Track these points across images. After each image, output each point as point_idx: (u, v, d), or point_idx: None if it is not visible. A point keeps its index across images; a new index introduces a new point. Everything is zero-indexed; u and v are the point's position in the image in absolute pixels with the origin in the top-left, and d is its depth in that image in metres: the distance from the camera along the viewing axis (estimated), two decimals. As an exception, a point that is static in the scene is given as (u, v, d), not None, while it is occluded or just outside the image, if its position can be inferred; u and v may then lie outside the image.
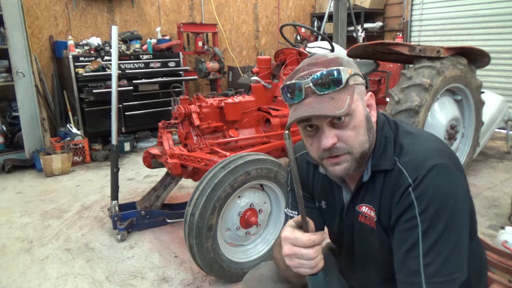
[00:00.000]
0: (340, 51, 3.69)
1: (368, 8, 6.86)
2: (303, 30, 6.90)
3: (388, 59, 3.84)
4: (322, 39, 4.04)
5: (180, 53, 5.64)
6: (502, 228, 2.23)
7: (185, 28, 6.07)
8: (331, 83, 0.92)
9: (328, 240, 1.31)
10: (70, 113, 5.10)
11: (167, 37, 5.95)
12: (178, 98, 3.02)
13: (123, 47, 5.29)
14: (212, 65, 6.08)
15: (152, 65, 5.33)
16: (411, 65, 3.38)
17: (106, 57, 4.89)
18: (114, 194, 2.89)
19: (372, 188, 1.03)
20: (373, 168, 1.01)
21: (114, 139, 2.88)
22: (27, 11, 4.92)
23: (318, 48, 3.37)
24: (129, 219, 2.88)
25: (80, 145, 4.65)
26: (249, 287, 1.25)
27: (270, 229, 2.51)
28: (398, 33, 6.92)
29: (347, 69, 0.94)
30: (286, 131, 0.88)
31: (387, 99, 3.33)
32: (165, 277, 2.41)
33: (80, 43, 5.15)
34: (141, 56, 5.25)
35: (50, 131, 4.88)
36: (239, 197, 2.31)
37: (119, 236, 2.83)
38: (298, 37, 6.78)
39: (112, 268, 2.52)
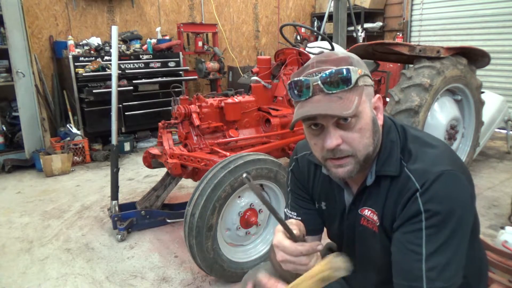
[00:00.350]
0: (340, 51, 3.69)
1: (368, 8, 6.86)
2: (303, 30, 6.90)
3: (388, 59, 3.84)
4: (322, 39, 4.04)
5: (180, 53, 5.64)
6: (502, 228, 2.23)
7: (185, 28, 6.07)
8: (340, 83, 0.90)
9: (328, 240, 1.30)
10: (70, 113, 5.11)
11: (167, 37, 5.95)
12: (178, 98, 3.02)
13: (123, 47, 5.29)
14: (212, 65, 6.08)
15: (152, 65, 5.33)
16: (411, 65, 3.38)
17: (106, 57, 4.89)
18: (114, 194, 2.89)
19: (376, 192, 1.01)
20: (378, 173, 0.99)
21: (114, 139, 2.88)
22: (27, 11, 4.92)
23: (318, 48, 3.36)
24: (129, 219, 2.88)
25: (80, 145, 4.65)
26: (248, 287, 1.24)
27: (270, 229, 2.51)
28: (398, 33, 6.92)
29: (357, 69, 0.92)
30: (245, 174, 0.85)
31: (387, 99, 3.33)
32: (165, 277, 2.41)
33: (80, 43, 5.15)
34: (141, 56, 5.25)
35: (50, 131, 4.88)
36: (239, 197, 2.31)
37: (119, 236, 2.83)
38: (298, 37, 6.78)
39: (112, 268, 2.52)
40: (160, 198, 3.00)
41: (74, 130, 4.72)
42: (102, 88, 4.68)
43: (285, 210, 1.26)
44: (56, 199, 3.66)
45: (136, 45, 5.45)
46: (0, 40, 4.40)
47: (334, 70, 0.90)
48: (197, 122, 2.81)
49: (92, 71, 4.70)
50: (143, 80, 5.25)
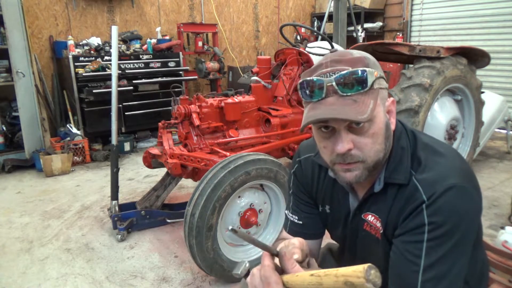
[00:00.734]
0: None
1: (368, 8, 6.86)
2: (303, 30, 6.90)
3: (388, 59, 3.84)
4: (322, 39, 4.04)
5: (180, 53, 5.64)
6: (502, 228, 2.23)
7: (185, 28, 6.07)
8: (355, 84, 0.85)
9: (327, 240, 1.30)
10: (70, 113, 5.11)
11: (167, 37, 5.95)
12: (178, 98, 3.02)
13: (123, 47, 5.29)
14: (212, 65, 6.07)
15: (152, 65, 5.33)
16: (411, 65, 3.38)
17: (106, 57, 4.89)
18: (114, 194, 2.89)
19: (382, 199, 0.98)
20: (386, 180, 0.96)
21: (114, 139, 2.88)
22: (27, 11, 4.92)
23: (318, 48, 3.36)
24: (129, 219, 2.88)
25: (80, 145, 4.65)
26: (247, 287, 1.24)
27: (270, 229, 2.51)
28: (398, 33, 6.92)
29: (373, 71, 0.87)
30: (230, 227, 0.77)
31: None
32: (165, 277, 2.41)
33: (80, 43, 5.15)
34: (141, 56, 5.25)
35: (50, 131, 4.88)
36: (239, 197, 2.31)
37: (119, 236, 2.83)
38: (298, 37, 6.78)
39: (112, 268, 2.52)
40: (160, 198, 3.00)
41: (74, 130, 4.72)
42: (102, 88, 4.68)
43: (286, 212, 1.24)
44: (56, 199, 3.66)
45: (136, 45, 5.45)
46: (0, 40, 4.40)
47: (350, 71, 0.85)
48: (197, 122, 2.81)
49: (92, 71, 4.70)
50: (143, 80, 5.25)
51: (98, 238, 2.91)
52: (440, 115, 3.37)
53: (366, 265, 0.63)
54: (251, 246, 2.46)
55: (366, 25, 6.98)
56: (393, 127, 0.96)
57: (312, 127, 0.96)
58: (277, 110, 3.16)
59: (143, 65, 5.24)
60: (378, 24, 7.07)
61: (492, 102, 4.14)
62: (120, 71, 4.60)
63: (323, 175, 1.14)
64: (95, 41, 5.20)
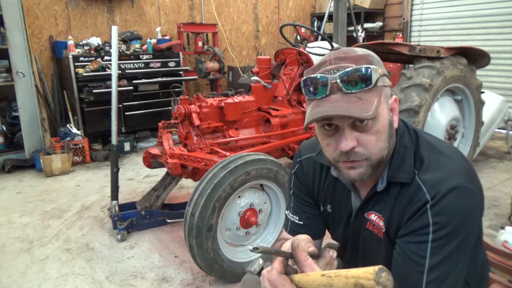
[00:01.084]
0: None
1: (368, 8, 6.86)
2: (303, 30, 6.90)
3: (388, 59, 3.84)
4: (322, 39, 4.04)
5: (180, 53, 5.64)
6: (502, 228, 2.23)
7: (185, 28, 6.07)
8: (359, 82, 0.85)
9: (328, 240, 1.30)
10: (70, 113, 5.10)
11: (167, 37, 5.95)
12: (178, 98, 3.02)
13: (123, 47, 5.29)
14: (212, 65, 6.08)
15: (152, 65, 5.33)
16: (411, 65, 3.38)
17: (106, 57, 4.89)
18: (114, 194, 2.89)
19: (385, 198, 0.98)
20: (389, 179, 0.96)
21: (114, 139, 2.88)
22: (27, 11, 4.92)
23: (318, 48, 3.36)
24: (129, 219, 2.88)
25: (80, 145, 4.65)
26: (247, 287, 1.24)
27: (270, 229, 2.51)
28: (398, 33, 6.92)
29: (377, 68, 0.87)
30: (251, 247, 0.77)
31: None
32: (165, 277, 2.41)
33: (80, 43, 5.15)
34: (141, 56, 5.25)
35: (50, 131, 4.88)
36: (239, 197, 2.31)
37: (119, 236, 2.83)
38: (298, 37, 6.78)
39: (112, 268, 2.52)
40: (160, 198, 3.00)
41: (74, 130, 4.72)
42: (102, 88, 4.68)
43: (286, 212, 1.24)
44: (56, 199, 3.66)
45: (136, 45, 5.45)
46: (0, 40, 4.40)
47: (354, 68, 0.85)
48: (197, 122, 2.81)
49: (92, 71, 4.70)
50: (143, 80, 5.25)
51: (98, 238, 2.91)
52: (440, 115, 3.37)
53: (376, 267, 0.62)
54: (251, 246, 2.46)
55: (366, 25, 6.98)
56: (396, 125, 0.96)
57: (314, 125, 0.95)
58: (277, 110, 3.16)
59: (143, 65, 5.24)
60: (378, 24, 7.07)
61: (492, 102, 4.14)
62: (120, 71, 4.60)
63: (325, 174, 1.13)
64: (95, 41, 5.20)
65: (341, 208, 1.11)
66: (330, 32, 5.63)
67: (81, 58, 4.79)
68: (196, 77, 6.05)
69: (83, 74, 4.66)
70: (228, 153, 2.60)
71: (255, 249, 0.77)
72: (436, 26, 6.43)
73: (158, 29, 5.98)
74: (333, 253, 0.88)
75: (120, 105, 4.82)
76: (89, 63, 4.74)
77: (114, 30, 2.80)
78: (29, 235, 2.98)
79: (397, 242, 0.94)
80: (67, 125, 4.85)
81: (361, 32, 6.72)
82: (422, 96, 3.02)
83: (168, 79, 5.40)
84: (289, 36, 7.41)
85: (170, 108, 3.94)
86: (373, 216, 1.01)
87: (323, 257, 0.87)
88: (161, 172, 3.82)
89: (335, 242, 1.06)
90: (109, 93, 2.96)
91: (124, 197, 3.61)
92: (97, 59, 4.79)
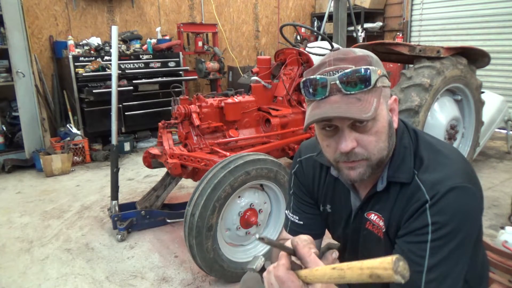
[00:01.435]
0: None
1: (368, 8, 6.86)
2: (303, 30, 6.90)
3: (388, 59, 3.84)
4: (322, 39, 4.04)
5: (180, 53, 5.64)
6: (502, 228, 2.23)
7: (185, 28, 6.07)
8: (359, 83, 0.85)
9: (328, 240, 1.30)
10: (70, 113, 5.11)
11: (167, 37, 5.95)
12: (178, 98, 3.02)
13: (123, 47, 5.29)
14: (212, 65, 6.08)
15: (152, 65, 5.33)
16: (411, 65, 3.38)
17: (106, 57, 4.89)
18: (114, 194, 2.89)
19: (384, 198, 0.98)
20: (389, 179, 0.96)
21: (114, 139, 2.88)
22: (27, 11, 4.92)
23: (318, 48, 3.36)
24: (129, 219, 2.88)
25: (80, 145, 4.65)
26: (247, 286, 1.24)
27: (270, 229, 2.51)
28: (398, 33, 6.92)
29: (376, 69, 0.88)
30: (257, 236, 0.77)
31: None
32: (165, 277, 2.41)
33: (80, 43, 5.15)
34: (141, 56, 5.25)
35: (50, 131, 4.88)
36: (239, 197, 2.31)
37: (119, 236, 2.83)
38: (298, 37, 6.78)
39: (112, 268, 2.52)
40: (160, 198, 3.00)
41: (74, 130, 4.72)
42: (102, 88, 4.68)
43: (286, 212, 1.24)
44: (56, 199, 3.66)
45: (136, 45, 5.45)
46: (0, 40, 4.40)
47: (353, 69, 0.86)
48: (197, 122, 2.81)
49: (92, 71, 4.70)
50: (143, 80, 5.25)
51: (98, 238, 2.91)
52: (440, 115, 3.37)
53: (394, 256, 0.62)
54: (251, 246, 2.46)
55: (366, 25, 6.98)
56: (395, 125, 0.96)
57: (314, 126, 0.96)
58: (277, 110, 3.16)
59: (143, 65, 5.24)
60: (378, 24, 7.08)
61: (492, 102, 4.14)
62: (120, 71, 4.60)
63: (325, 174, 1.14)
64: (95, 41, 5.21)
65: (341, 208, 1.11)
66: (330, 32, 5.63)
67: (81, 58, 4.79)
68: (196, 77, 6.05)
69: (83, 74, 4.66)
70: (228, 153, 2.60)
71: (261, 239, 0.76)
72: (436, 26, 6.43)
73: (158, 29, 5.98)
74: (335, 255, 0.88)
75: (120, 105, 4.82)
76: (89, 63, 4.74)
77: (114, 30, 2.80)
78: (29, 235, 2.98)
79: (396, 242, 0.94)
80: (67, 125, 4.85)
81: (361, 32, 6.72)
82: (422, 96, 3.02)
83: (168, 79, 5.40)
84: (289, 36, 7.41)
85: (170, 108, 3.94)
86: (373, 216, 1.02)
87: (325, 258, 0.87)
88: (161, 172, 3.82)
89: (335, 242, 1.06)
90: (109, 93, 2.96)
91: (124, 197, 3.61)
92: (97, 59, 4.79)
